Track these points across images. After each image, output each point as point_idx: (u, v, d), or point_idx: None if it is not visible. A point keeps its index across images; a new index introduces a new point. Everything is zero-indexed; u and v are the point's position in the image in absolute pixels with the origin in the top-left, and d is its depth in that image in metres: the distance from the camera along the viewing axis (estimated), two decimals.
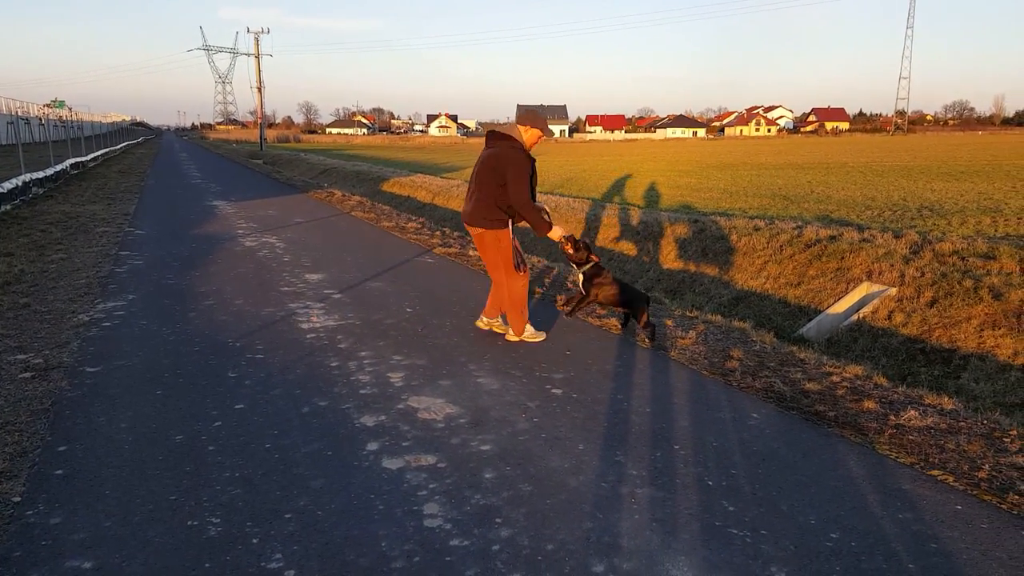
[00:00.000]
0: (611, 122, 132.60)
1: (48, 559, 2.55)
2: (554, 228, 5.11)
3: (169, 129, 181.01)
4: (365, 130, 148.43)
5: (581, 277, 5.37)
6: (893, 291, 7.08)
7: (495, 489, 3.07)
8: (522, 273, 5.19)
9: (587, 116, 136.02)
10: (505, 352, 5.04)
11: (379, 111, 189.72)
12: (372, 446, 3.49)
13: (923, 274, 7.11)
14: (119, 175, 24.07)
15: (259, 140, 52.05)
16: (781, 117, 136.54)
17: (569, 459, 3.38)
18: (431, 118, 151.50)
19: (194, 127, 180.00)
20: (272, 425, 3.72)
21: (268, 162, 39.08)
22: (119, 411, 3.89)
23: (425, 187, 21.49)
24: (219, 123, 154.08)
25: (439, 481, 3.14)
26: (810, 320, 7.35)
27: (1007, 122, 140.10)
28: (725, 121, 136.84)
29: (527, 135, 5.05)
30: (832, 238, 8.68)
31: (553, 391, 4.27)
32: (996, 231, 10.45)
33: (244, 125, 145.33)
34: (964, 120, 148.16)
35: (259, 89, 50.34)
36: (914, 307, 6.75)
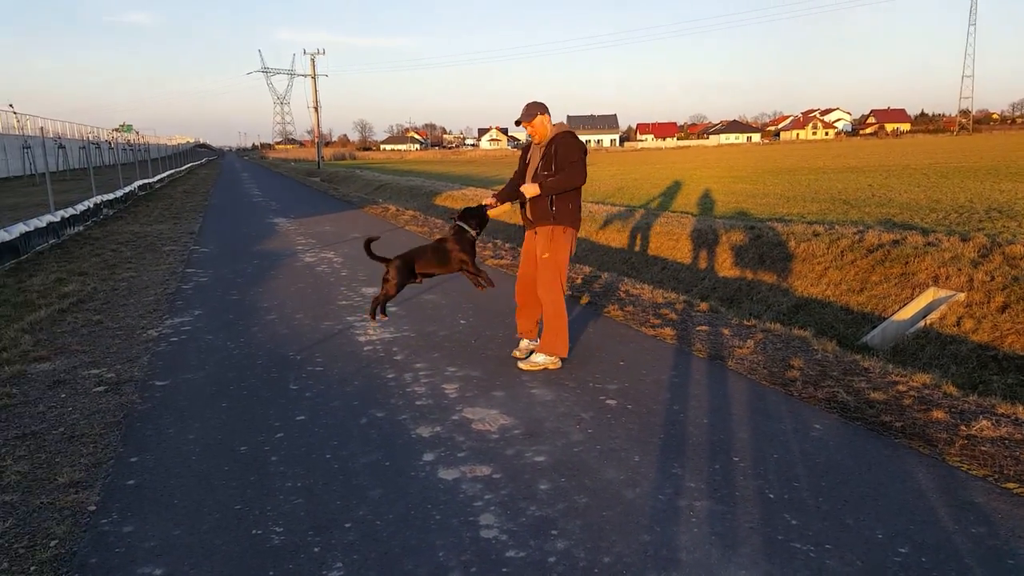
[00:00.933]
0: (662, 130, 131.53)
1: (121, 566, 2.66)
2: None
3: (231, 150, 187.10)
4: (418, 146, 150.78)
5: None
6: (961, 296, 6.81)
7: (550, 501, 3.07)
8: None
9: (638, 125, 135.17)
10: (566, 364, 5.03)
11: (431, 127, 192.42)
12: (428, 456, 3.53)
13: (993, 278, 6.82)
14: (184, 195, 25.00)
15: (316, 158, 53.37)
16: (839, 120, 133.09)
17: (625, 471, 3.35)
18: (482, 132, 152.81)
19: (254, 147, 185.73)
20: (332, 436, 3.81)
21: (325, 179, 40.04)
22: (187, 423, 4.03)
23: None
24: (278, 143, 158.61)
25: (494, 492, 3.16)
26: (874, 327, 7.12)
27: None
28: (780, 125, 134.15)
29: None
30: (895, 242, 8.41)
31: (607, 402, 4.25)
32: None
33: (302, 144, 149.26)
34: None
35: (316, 108, 51.75)
36: (984, 313, 6.48)
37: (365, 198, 23.70)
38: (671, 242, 11.35)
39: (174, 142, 49.70)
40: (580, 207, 4.98)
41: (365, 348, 5.49)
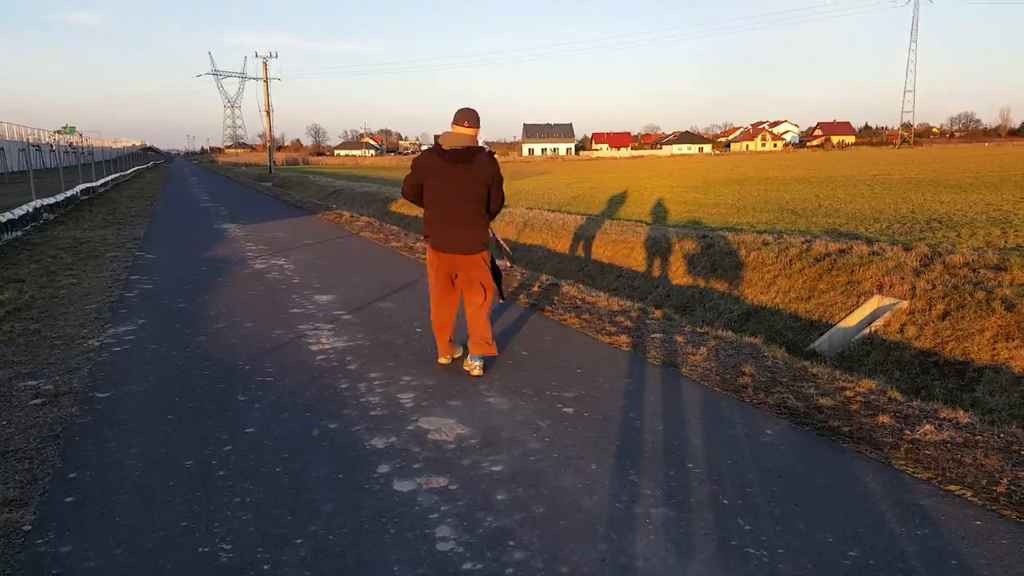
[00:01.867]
0: (617, 139, 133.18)
1: None
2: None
3: (179, 154, 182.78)
4: (373, 151, 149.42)
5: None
6: (904, 304, 7.03)
7: (508, 511, 3.04)
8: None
9: (593, 134, 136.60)
10: (515, 371, 5.02)
11: (387, 132, 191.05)
12: (383, 468, 3.46)
13: (934, 287, 7.06)
14: (129, 200, 24.29)
15: (268, 163, 52.49)
16: (787, 132, 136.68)
17: (582, 479, 3.34)
18: (437, 139, 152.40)
19: (203, 151, 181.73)
20: (282, 448, 3.71)
21: (277, 184, 39.40)
22: (129, 437, 3.89)
23: None
24: (228, 147, 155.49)
25: (451, 503, 3.12)
26: (821, 335, 7.30)
27: (1013, 133, 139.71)
28: (731, 137, 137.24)
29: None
30: (841, 251, 8.65)
31: (564, 410, 4.24)
32: (1006, 242, 10.39)
33: (253, 148, 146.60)
34: (970, 132, 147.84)
35: (268, 112, 50.85)
36: (926, 320, 6.69)
37: (318, 204, 23.38)
38: (626, 250, 11.47)
39: (119, 145, 48.22)
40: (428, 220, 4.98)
41: (318, 357, 5.38)
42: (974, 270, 7.40)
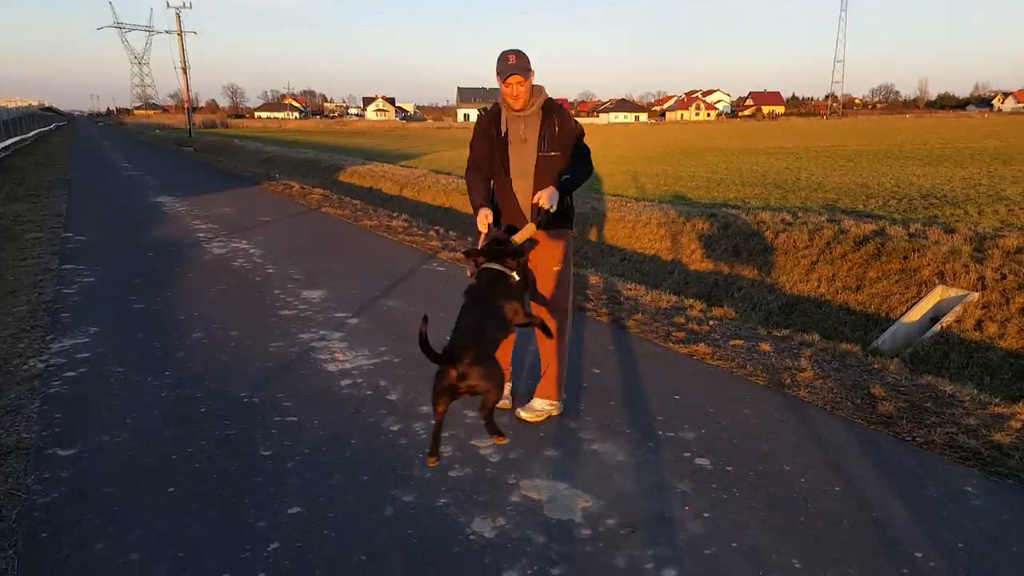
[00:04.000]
0: None
1: None
2: (480, 212, 3.56)
3: (83, 114, 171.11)
4: (297, 114, 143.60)
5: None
6: (975, 296, 6.34)
7: None
8: None
9: None
10: (600, 398, 4.02)
11: (311, 93, 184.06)
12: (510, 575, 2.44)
13: (1004, 276, 6.40)
14: (37, 167, 21.87)
15: (187, 126, 49.11)
16: (719, 101, 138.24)
17: None
18: (367, 101, 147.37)
19: (109, 112, 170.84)
20: (350, 542, 2.63)
21: (200, 149, 36.75)
22: (122, 531, 2.72)
23: (388, 177, 20.16)
24: (137, 108, 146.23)
25: None
26: (883, 331, 6.56)
27: (930, 105, 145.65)
28: (666, 105, 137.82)
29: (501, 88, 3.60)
30: (877, 233, 7.94)
31: (698, 462, 3.28)
32: (1019, 221, 9.95)
33: (165, 109, 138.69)
34: (891, 104, 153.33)
35: (184, 70, 47.31)
36: (1007, 315, 6.02)
37: (258, 172, 21.57)
38: (626, 229, 10.54)
39: (15, 104, 43.88)
40: None
41: (343, 383, 4.24)
42: None
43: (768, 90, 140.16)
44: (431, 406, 3.28)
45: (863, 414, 3.84)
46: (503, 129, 3.59)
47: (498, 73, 3.53)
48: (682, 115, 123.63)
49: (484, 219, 3.51)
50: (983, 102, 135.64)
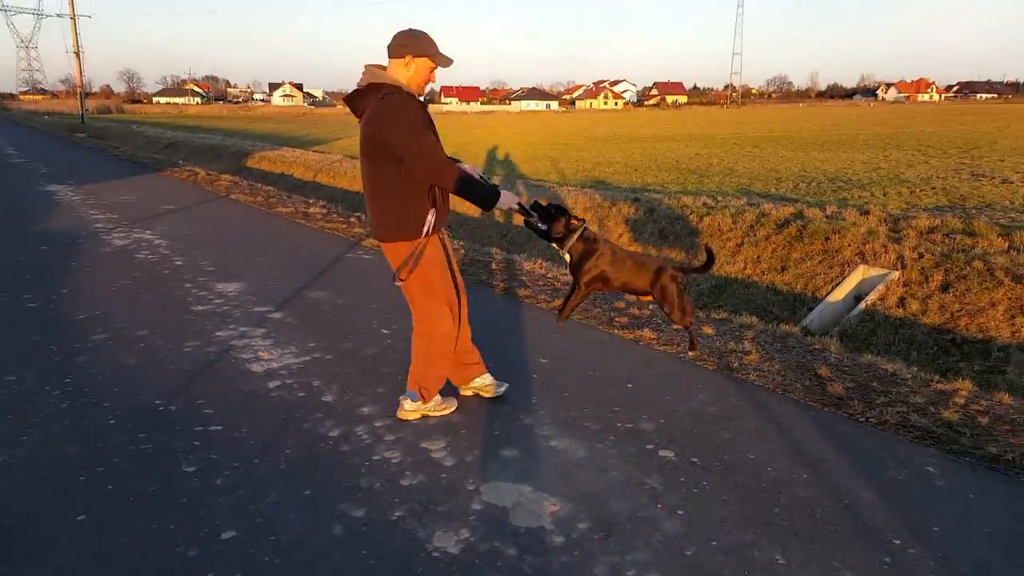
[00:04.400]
0: (466, 93, 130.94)
1: None
2: (503, 194, 3.26)
3: None
4: (199, 99, 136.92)
5: (567, 258, 3.64)
6: (896, 275, 6.54)
7: None
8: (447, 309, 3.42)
9: (442, 87, 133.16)
10: (551, 389, 3.83)
11: (213, 79, 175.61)
12: None
13: (921, 256, 6.62)
14: None
15: (80, 111, 45.93)
16: (626, 91, 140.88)
17: None
18: (273, 87, 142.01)
19: None
20: (297, 568, 2.33)
21: (94, 135, 34.34)
22: (29, 570, 2.32)
23: (300, 163, 19.36)
24: (23, 93, 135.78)
25: None
26: (810, 310, 6.68)
27: (821, 95, 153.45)
28: (575, 94, 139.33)
29: (411, 71, 3.18)
30: (797, 216, 8.11)
31: (663, 454, 3.14)
32: (921, 202, 10.44)
33: (54, 95, 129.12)
34: (785, 93, 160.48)
35: (77, 54, 44.19)
36: (926, 292, 6.22)
37: (160, 159, 20.28)
38: None
39: None
40: None
41: (270, 384, 3.88)
42: (947, 235, 7.06)
43: (671, 80, 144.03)
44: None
45: (814, 396, 3.81)
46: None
47: (429, 55, 3.19)
48: (591, 104, 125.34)
49: (511, 199, 3.31)
50: (868, 92, 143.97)
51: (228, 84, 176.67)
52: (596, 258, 3.61)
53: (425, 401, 3.45)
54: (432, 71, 3.25)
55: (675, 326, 4.52)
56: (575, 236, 3.58)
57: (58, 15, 44.70)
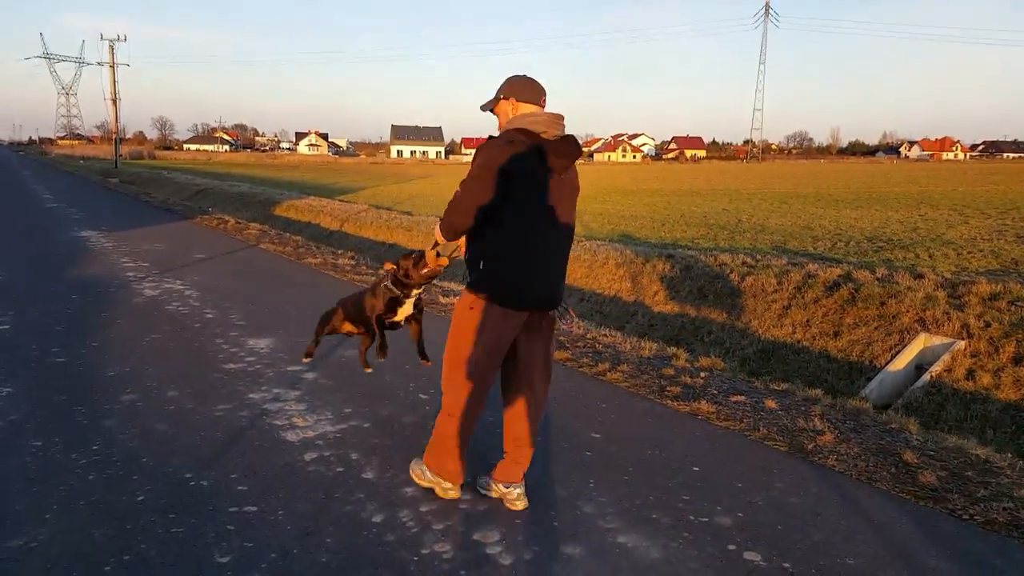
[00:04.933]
0: None
1: None
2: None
3: (4, 143, 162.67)
4: (227, 147, 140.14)
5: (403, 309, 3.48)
6: (961, 345, 6.17)
7: None
8: None
9: (463, 138, 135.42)
10: (608, 472, 3.50)
11: (242, 127, 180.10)
12: None
13: (988, 324, 6.26)
14: None
15: (114, 156, 46.96)
16: (644, 144, 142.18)
17: None
18: (300, 136, 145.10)
19: (32, 142, 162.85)
20: None
21: (126, 181, 35.06)
22: None
23: (327, 212, 19.42)
24: (61, 138, 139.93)
25: None
26: (869, 380, 6.31)
27: (842, 151, 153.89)
28: (593, 147, 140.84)
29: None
30: (845, 278, 7.78)
31: (748, 557, 2.79)
32: (971, 265, 10.08)
33: (90, 140, 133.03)
34: (806, 149, 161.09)
35: (114, 101, 45.41)
36: (998, 364, 5.85)
37: (190, 206, 20.45)
38: (583, 268, 10.17)
39: None
40: (507, 268, 2.93)
41: (306, 456, 3.60)
42: (1012, 303, 6.70)
43: (690, 135, 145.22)
44: None
45: (905, 487, 3.45)
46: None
47: (532, 100, 2.97)
48: (609, 156, 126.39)
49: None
50: (891, 149, 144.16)
51: (256, 132, 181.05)
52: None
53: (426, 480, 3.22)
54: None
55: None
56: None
57: (99, 63, 45.90)
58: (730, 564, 2.74)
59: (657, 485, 3.39)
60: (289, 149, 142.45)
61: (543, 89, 3.03)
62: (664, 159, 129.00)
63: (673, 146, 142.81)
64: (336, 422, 4.06)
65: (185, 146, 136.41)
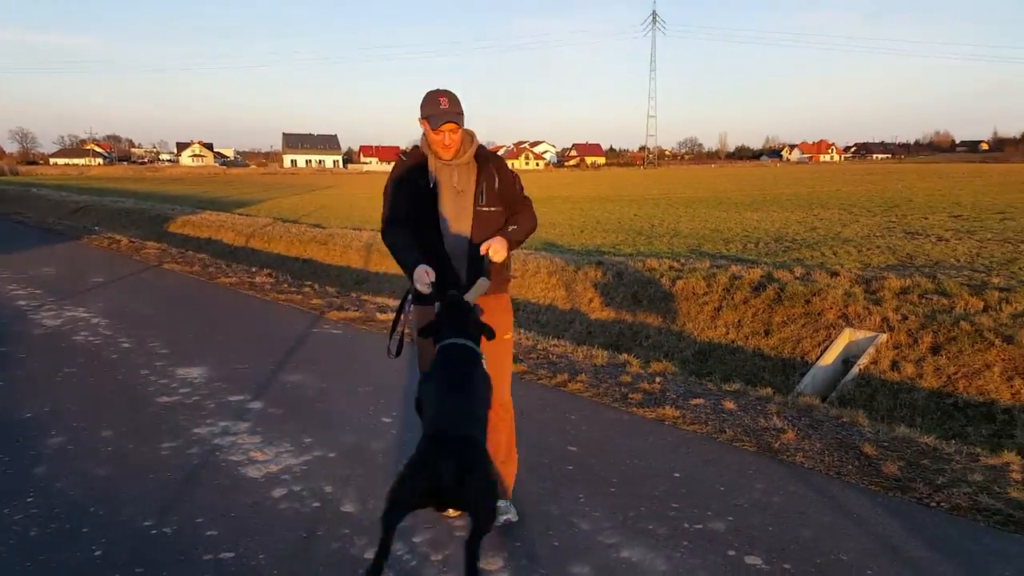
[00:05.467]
0: (386, 153, 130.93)
1: None
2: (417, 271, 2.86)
3: None
4: (100, 160, 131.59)
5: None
6: (884, 338, 6.53)
7: None
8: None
9: (361, 147, 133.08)
10: (592, 487, 3.46)
11: (116, 138, 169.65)
12: None
13: (906, 317, 6.66)
14: None
15: None
16: (546, 152, 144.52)
17: None
18: (181, 146, 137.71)
19: None
20: None
21: None
22: None
23: (229, 227, 18.57)
24: None
25: None
26: (803, 375, 6.57)
27: (730, 156, 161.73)
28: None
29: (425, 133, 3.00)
30: (768, 278, 8.11)
31: (750, 562, 2.81)
32: (872, 261, 10.74)
33: None
34: (696, 155, 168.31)
35: None
36: (919, 355, 6.22)
37: (72, 225, 19.09)
38: (517, 278, 10.13)
39: None
40: None
41: (274, 493, 3.35)
42: (922, 296, 7.17)
43: (590, 142, 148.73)
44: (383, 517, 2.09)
45: (871, 478, 3.58)
46: (431, 180, 2.98)
47: (426, 117, 2.94)
48: (513, 164, 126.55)
49: (427, 276, 2.79)
50: (774, 153, 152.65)
51: (132, 144, 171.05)
52: None
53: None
54: (433, 131, 2.96)
55: None
56: None
57: None
58: (735, 570, 2.74)
59: (644, 495, 3.37)
60: (171, 161, 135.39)
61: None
62: (566, 166, 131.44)
63: (574, 153, 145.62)
64: (298, 453, 3.82)
65: (52, 160, 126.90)
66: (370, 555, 2.75)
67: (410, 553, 2.83)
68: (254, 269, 11.02)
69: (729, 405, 4.65)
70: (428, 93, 3.00)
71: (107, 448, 3.84)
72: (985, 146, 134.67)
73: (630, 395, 4.84)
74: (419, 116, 2.98)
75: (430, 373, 2.54)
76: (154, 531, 2.96)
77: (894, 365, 6.23)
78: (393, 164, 3.08)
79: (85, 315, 7.32)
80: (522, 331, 6.72)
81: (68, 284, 9.22)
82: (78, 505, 3.18)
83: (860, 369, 6.32)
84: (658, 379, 5.23)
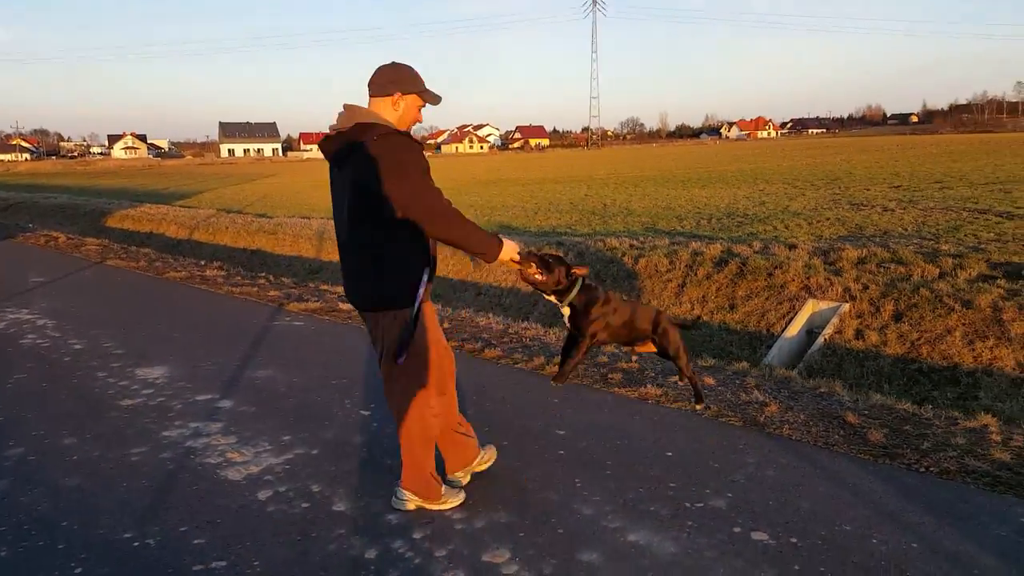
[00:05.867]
0: None
1: None
2: (506, 242, 2.92)
3: None
4: (28, 155, 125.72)
5: (566, 311, 3.36)
6: (846, 307, 6.67)
7: None
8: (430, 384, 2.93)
9: (301, 134, 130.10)
10: (587, 471, 3.41)
11: (43, 132, 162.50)
12: None
13: (866, 287, 6.82)
14: None
15: None
16: (490, 135, 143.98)
17: None
18: (113, 139, 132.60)
19: None
20: None
21: None
22: None
23: (171, 220, 17.96)
24: None
25: None
26: (769, 347, 6.67)
27: (670, 135, 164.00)
28: (440, 139, 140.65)
29: (399, 111, 2.83)
30: (728, 253, 8.21)
31: (756, 538, 2.80)
32: (824, 233, 10.99)
33: None
34: (638, 135, 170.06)
35: None
36: (881, 323, 6.37)
37: (4, 224, 18.17)
38: (470, 263, 10.03)
39: None
40: None
41: (260, 495, 3.20)
42: (880, 265, 7.34)
43: (533, 124, 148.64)
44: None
45: (859, 447, 3.63)
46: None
47: (418, 92, 2.87)
48: (457, 148, 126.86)
49: (515, 248, 2.98)
50: (713, 131, 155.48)
51: (61, 137, 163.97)
52: (601, 307, 3.44)
53: (432, 500, 2.99)
54: (421, 109, 2.94)
55: (680, 379, 4.24)
56: (576, 288, 3.33)
57: None
58: (743, 547, 2.73)
59: (641, 475, 3.33)
60: (102, 154, 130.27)
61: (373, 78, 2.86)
62: (511, 148, 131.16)
63: (518, 135, 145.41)
64: (278, 452, 3.66)
65: None
66: (371, 555, 2.66)
67: (412, 551, 2.73)
68: (203, 262, 10.65)
69: (709, 380, 4.66)
70: (401, 66, 2.87)
71: (72, 456, 3.61)
72: (915, 119, 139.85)
73: (610, 375, 4.81)
74: (397, 92, 2.81)
75: None
76: (136, 543, 2.78)
77: (858, 334, 6.37)
78: (414, 146, 2.78)
79: (30, 316, 6.93)
80: (490, 316, 6.62)
81: (7, 285, 8.73)
82: (49, 519, 2.97)
83: (825, 339, 6.44)
84: (635, 358, 5.21)
